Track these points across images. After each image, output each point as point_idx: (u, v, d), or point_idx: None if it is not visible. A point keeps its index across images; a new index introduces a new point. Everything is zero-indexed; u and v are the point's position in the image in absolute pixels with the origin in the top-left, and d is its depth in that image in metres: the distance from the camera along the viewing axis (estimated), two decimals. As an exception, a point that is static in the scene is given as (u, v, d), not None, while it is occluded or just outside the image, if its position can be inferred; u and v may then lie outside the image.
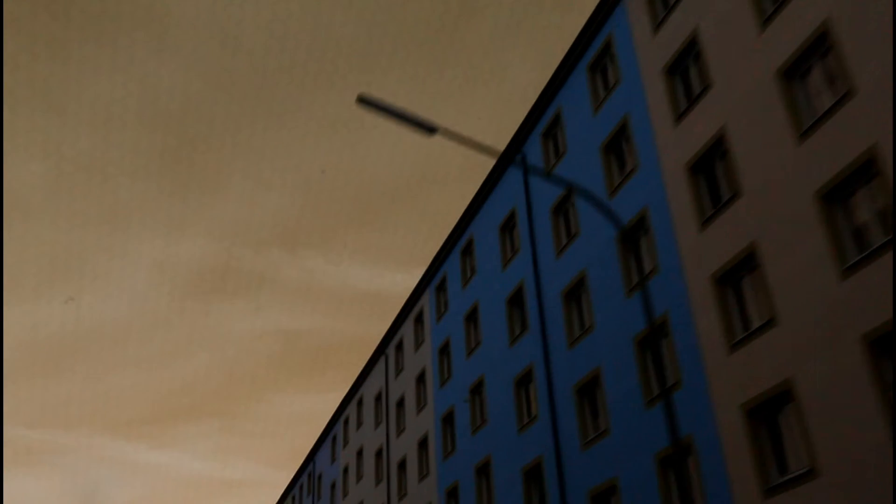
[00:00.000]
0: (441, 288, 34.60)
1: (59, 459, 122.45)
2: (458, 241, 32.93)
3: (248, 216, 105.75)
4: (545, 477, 23.26)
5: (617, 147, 22.52)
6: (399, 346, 39.17)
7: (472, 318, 30.68)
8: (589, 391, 22.10)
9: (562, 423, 22.84)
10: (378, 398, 41.19)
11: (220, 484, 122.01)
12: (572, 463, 21.97)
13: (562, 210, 24.96)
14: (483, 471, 27.81)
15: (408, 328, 37.80)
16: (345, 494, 44.59)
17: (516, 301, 27.26)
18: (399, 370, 38.33)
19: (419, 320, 36.88)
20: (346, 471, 45.44)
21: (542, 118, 26.86)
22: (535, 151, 26.90)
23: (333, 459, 48.38)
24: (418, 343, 36.18)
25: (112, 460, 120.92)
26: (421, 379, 35.33)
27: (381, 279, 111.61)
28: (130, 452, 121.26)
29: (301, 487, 56.86)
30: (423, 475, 32.96)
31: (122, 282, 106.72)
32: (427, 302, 35.67)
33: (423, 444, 33.87)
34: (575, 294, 23.50)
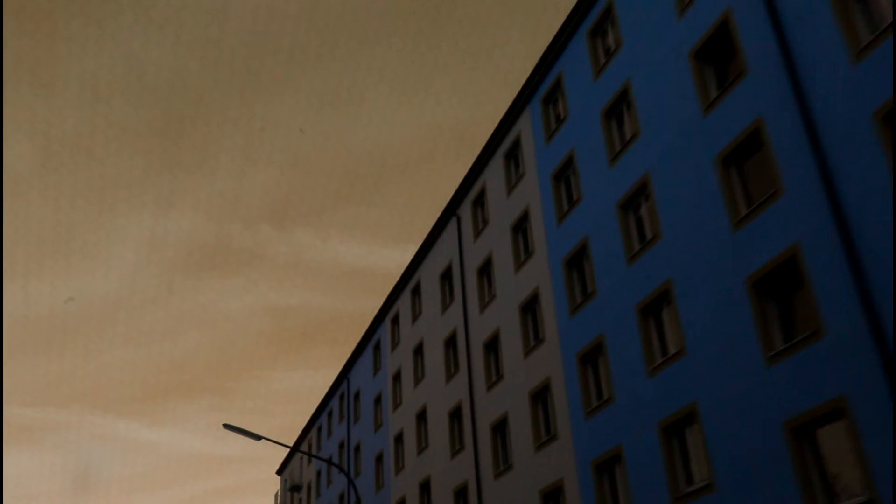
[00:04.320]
0: (551, 98, 25.42)
1: (53, 437, 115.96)
2: (581, 24, 23.76)
3: (237, 192, 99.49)
4: (809, 277, 14.30)
5: None
6: (478, 201, 30.06)
7: (616, 109, 21.54)
8: (912, 113, 13.05)
9: (844, 181, 13.84)
10: (446, 275, 32.13)
11: (215, 460, 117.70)
12: (875, 239, 12.98)
13: None
14: (652, 309, 18.84)
15: (493, 171, 28.66)
16: (396, 405, 35.64)
17: (712, 48, 18.10)
18: (479, 229, 29.29)
19: (512, 155, 27.74)
20: (396, 377, 36.44)
21: None
22: None
23: (377, 369, 39.37)
24: (513, 183, 27.07)
25: (106, 438, 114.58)
26: (520, 226, 26.27)
27: (371, 255, 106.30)
28: (124, 430, 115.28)
29: (330, 414, 47.97)
30: (531, 346, 24.01)
31: (112, 259, 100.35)
32: (527, 124, 26.51)
33: (528, 306, 24.87)
34: (861, -24, 14.37)
